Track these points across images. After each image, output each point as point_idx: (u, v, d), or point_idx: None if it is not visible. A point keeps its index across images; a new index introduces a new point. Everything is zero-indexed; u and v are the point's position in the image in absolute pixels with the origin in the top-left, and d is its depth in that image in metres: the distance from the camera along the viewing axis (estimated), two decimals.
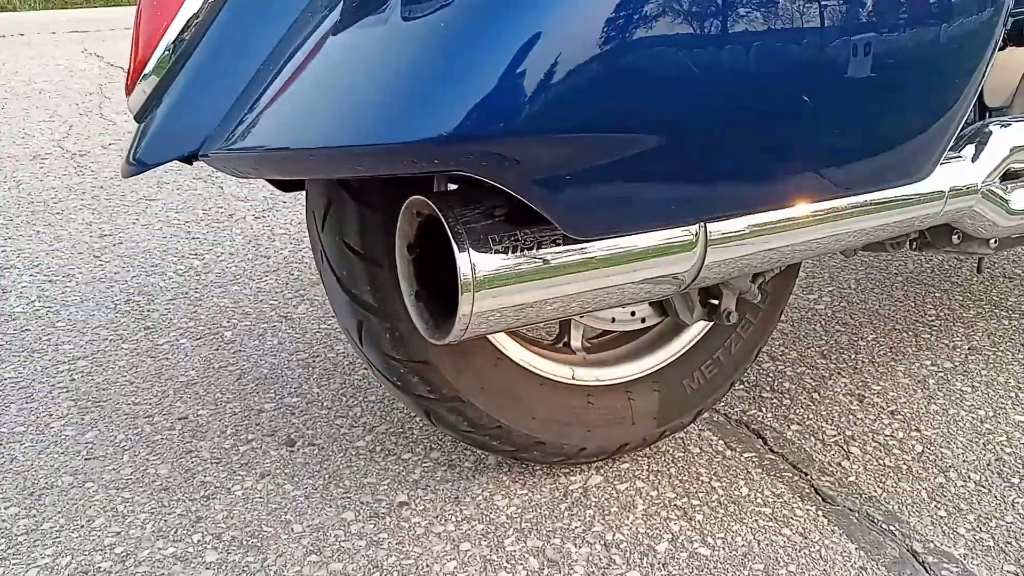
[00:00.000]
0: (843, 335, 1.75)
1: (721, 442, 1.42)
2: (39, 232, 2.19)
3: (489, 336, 1.18)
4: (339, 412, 1.47)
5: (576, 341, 1.32)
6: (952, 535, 1.20)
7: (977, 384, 1.58)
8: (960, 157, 1.23)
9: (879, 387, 1.58)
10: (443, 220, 0.84)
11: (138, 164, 1.02)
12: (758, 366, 1.63)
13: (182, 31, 1.04)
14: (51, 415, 1.45)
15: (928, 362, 1.66)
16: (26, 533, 1.18)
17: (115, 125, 3.20)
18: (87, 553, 1.14)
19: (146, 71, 1.05)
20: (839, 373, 1.62)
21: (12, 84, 3.86)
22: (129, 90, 1.07)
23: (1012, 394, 1.55)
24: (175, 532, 1.19)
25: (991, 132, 1.26)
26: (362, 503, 1.25)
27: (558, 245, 0.87)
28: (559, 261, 0.88)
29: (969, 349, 1.70)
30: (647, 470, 1.34)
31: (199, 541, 1.17)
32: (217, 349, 1.66)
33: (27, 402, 1.48)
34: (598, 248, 0.90)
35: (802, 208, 1.04)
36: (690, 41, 0.79)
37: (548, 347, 1.29)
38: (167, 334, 1.71)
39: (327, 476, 1.31)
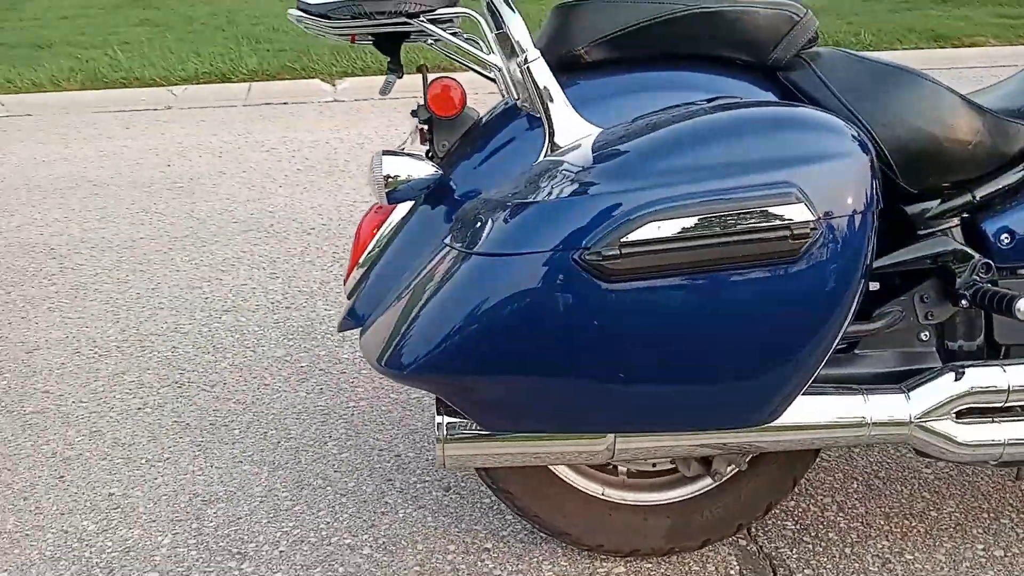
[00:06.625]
0: (920, 503, 1.99)
1: (737, 567, 1.82)
2: None
3: None
4: None
5: (622, 467, 1.83)
6: None
7: None
8: (899, 392, 1.54)
9: (911, 557, 1.83)
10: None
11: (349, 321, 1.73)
12: (819, 511, 1.96)
13: (376, 244, 1.76)
14: None
15: (981, 548, 1.85)
16: None
17: None
18: None
19: (359, 264, 1.79)
20: (886, 536, 1.89)
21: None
22: (347, 278, 1.80)
23: None
24: None
25: (938, 376, 1.54)
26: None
27: None
28: None
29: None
30: (662, 574, 1.81)
31: None
32: None
33: None
34: None
35: None
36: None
37: (593, 466, 1.82)
38: None
39: None
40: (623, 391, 1.39)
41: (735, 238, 1.30)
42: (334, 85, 6.11)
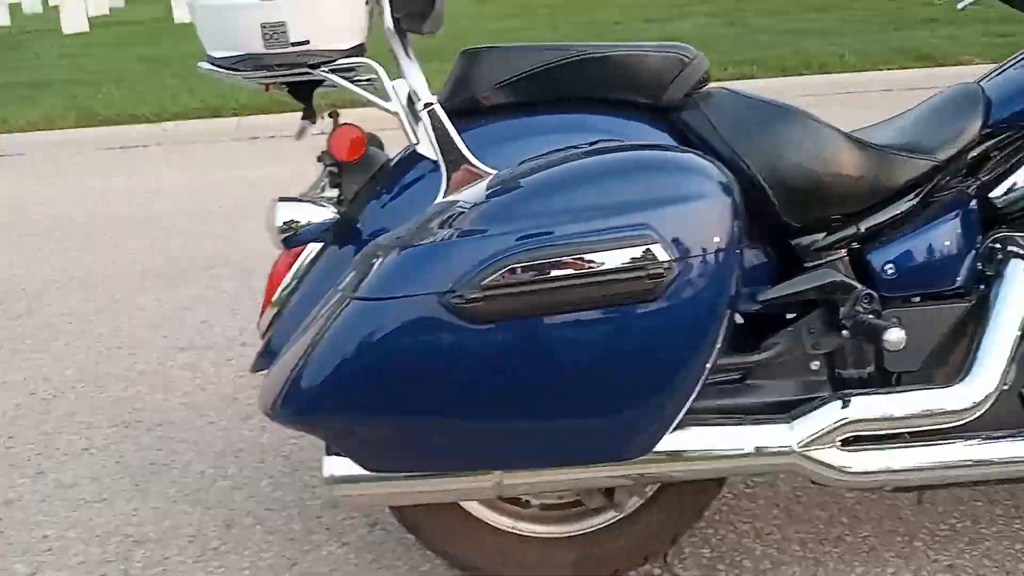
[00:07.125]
0: (837, 528, 2.00)
1: None
2: None
3: None
4: None
5: (535, 500, 1.86)
6: None
7: None
8: (785, 421, 1.56)
9: None
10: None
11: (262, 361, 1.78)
12: (737, 538, 1.98)
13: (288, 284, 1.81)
14: None
15: (891, 571, 1.87)
16: None
17: None
18: None
19: (271, 303, 1.84)
20: (799, 562, 1.91)
21: None
22: (260, 317, 1.86)
23: None
24: None
25: (821, 405, 1.56)
26: None
27: None
28: None
29: (948, 567, 1.86)
30: None
31: None
32: None
33: None
34: None
35: None
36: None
37: (507, 500, 1.85)
38: None
39: None
40: (498, 430, 1.43)
41: (592, 279, 1.34)
42: (322, 118, 6.20)
